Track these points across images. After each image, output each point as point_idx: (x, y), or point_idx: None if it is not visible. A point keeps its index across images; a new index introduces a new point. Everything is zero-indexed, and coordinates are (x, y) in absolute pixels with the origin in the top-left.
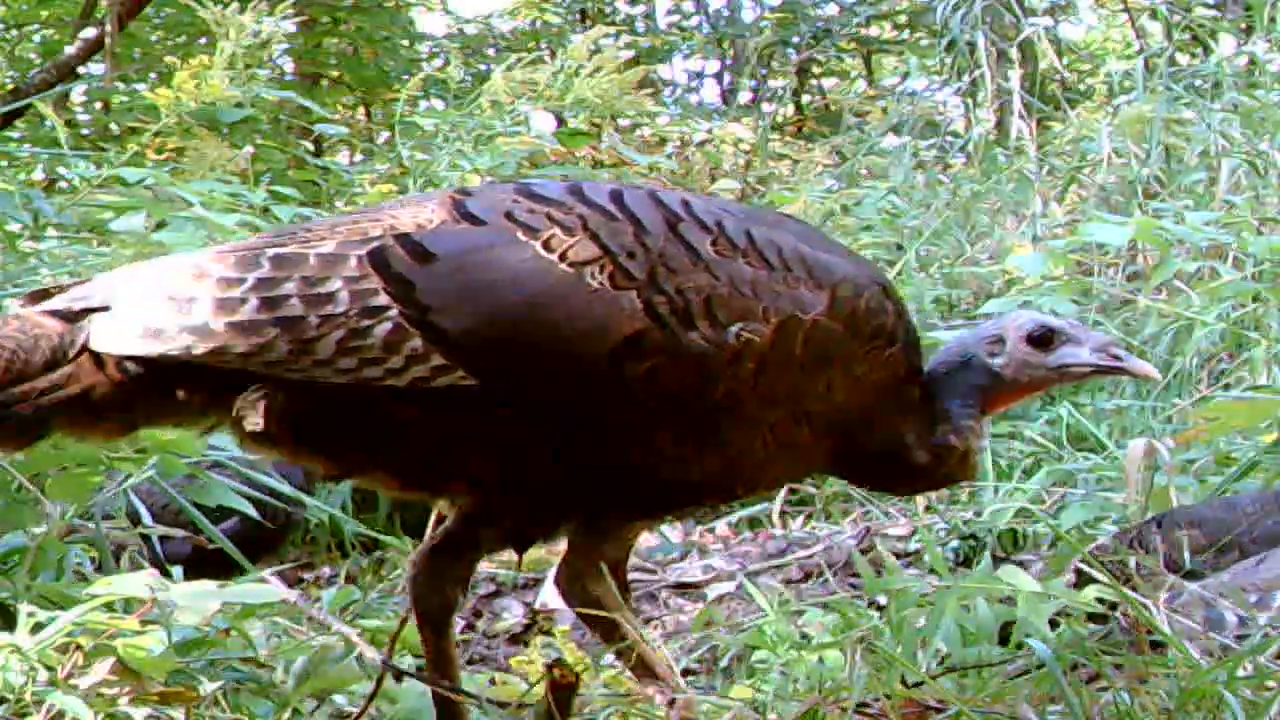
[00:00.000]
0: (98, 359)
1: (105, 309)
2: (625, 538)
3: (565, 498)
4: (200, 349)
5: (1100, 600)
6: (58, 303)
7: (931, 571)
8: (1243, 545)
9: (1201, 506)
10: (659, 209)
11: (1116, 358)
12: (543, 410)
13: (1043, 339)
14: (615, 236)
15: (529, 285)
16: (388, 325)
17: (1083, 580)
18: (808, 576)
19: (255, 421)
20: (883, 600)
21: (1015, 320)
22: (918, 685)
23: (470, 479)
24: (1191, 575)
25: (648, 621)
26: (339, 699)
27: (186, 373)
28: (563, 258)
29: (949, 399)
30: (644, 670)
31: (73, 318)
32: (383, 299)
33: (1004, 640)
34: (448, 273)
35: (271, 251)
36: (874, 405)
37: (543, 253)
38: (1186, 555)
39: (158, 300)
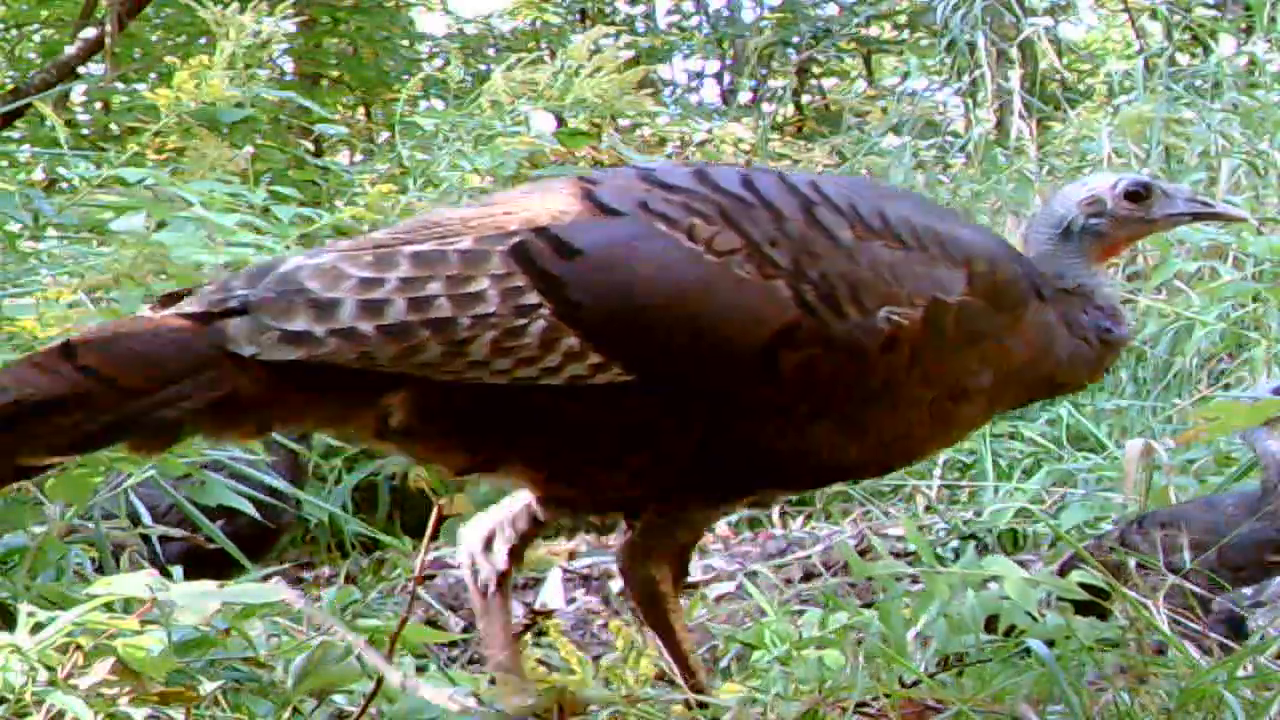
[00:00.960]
0: (238, 362)
1: (242, 312)
2: (705, 523)
3: (725, 484)
4: (350, 353)
5: (1088, 588)
6: (192, 305)
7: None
8: (1224, 546)
9: (1183, 506)
10: (792, 194)
11: (1207, 204)
12: (701, 401)
13: (1139, 194)
14: (756, 224)
15: (680, 278)
16: (541, 324)
17: (1067, 571)
18: (808, 576)
19: (401, 420)
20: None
21: (1106, 181)
22: (915, 684)
23: (625, 470)
24: (1187, 577)
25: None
26: (339, 699)
27: (328, 374)
28: (708, 248)
29: (1068, 273)
30: (681, 665)
31: (209, 319)
32: (533, 297)
33: (991, 632)
34: (596, 268)
35: (408, 249)
36: (1032, 360)
37: (687, 243)
38: (1186, 555)
39: (297, 304)
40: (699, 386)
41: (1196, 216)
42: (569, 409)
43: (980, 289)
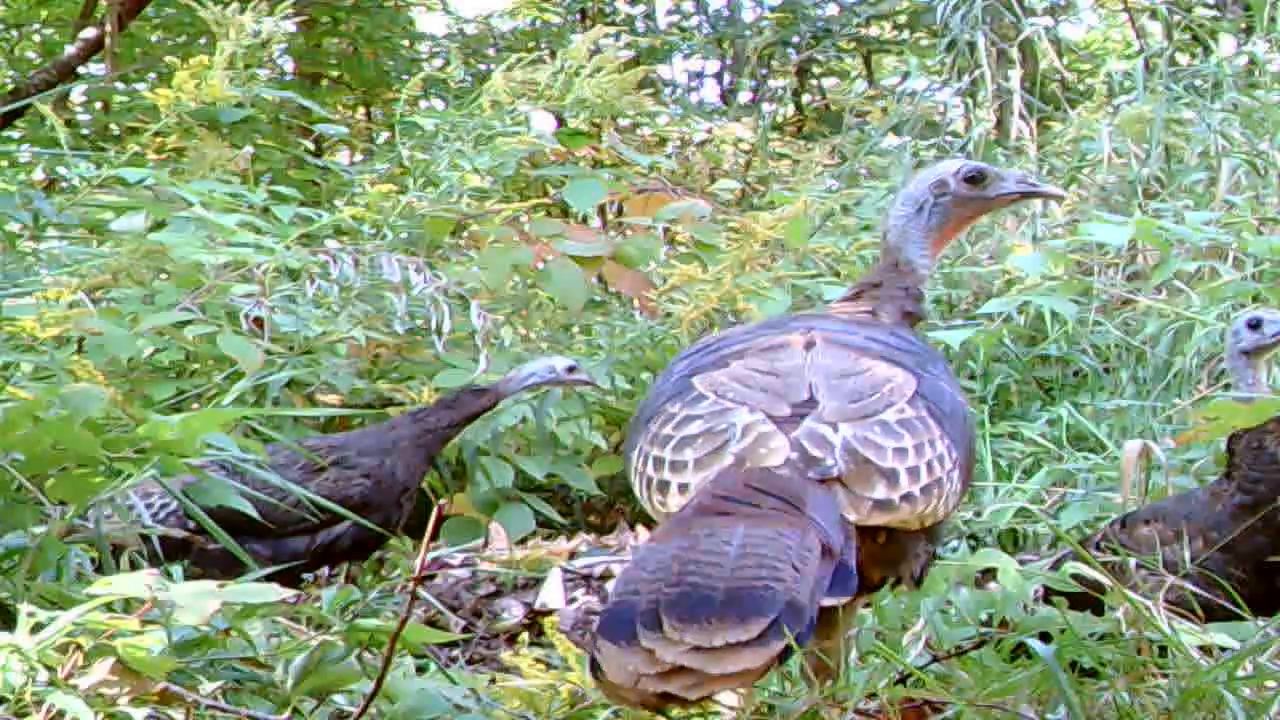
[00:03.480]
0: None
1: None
2: None
3: None
4: (909, 515)
5: (1084, 582)
6: (808, 472)
7: None
8: (1206, 533)
9: (1162, 502)
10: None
11: (1033, 184)
12: None
13: (976, 178)
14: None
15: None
16: (956, 471)
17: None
18: None
19: None
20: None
21: (948, 168)
22: (907, 678)
23: None
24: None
25: None
26: (339, 698)
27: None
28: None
29: (912, 251)
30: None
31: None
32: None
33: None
34: (953, 419)
35: (892, 419)
36: None
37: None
38: (1185, 551)
39: (872, 474)
40: None
41: (1024, 195)
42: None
43: None
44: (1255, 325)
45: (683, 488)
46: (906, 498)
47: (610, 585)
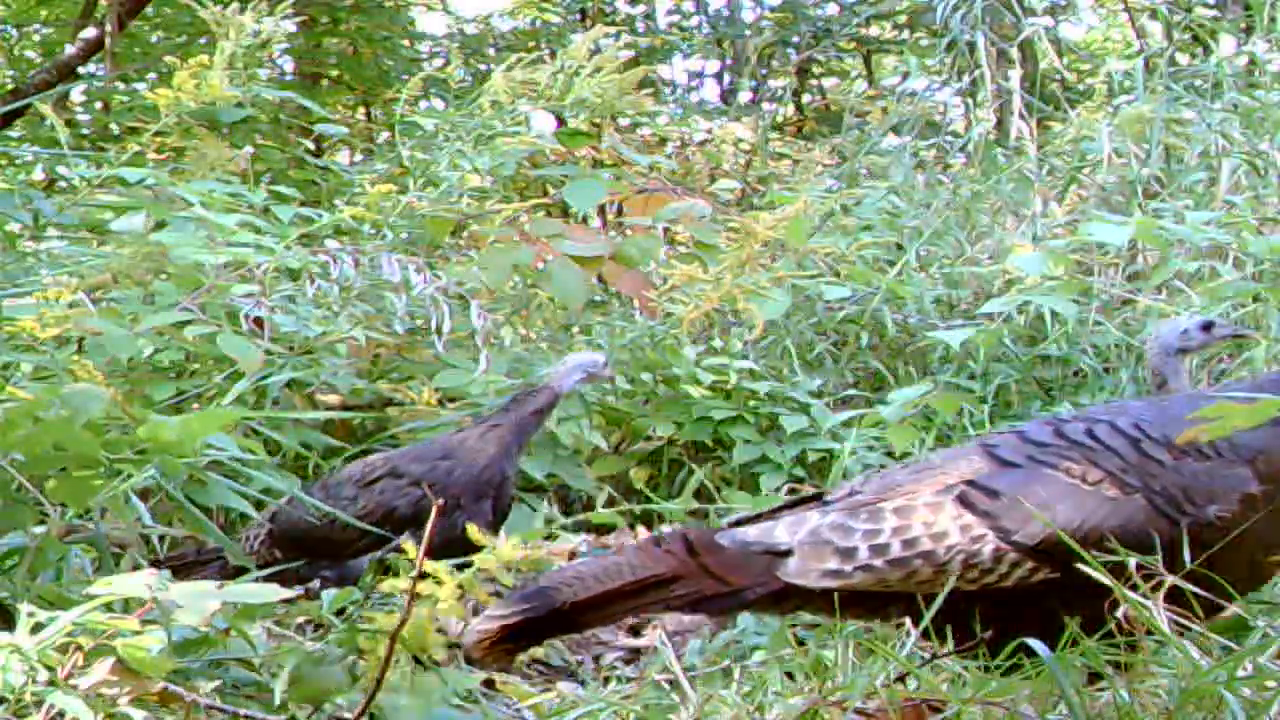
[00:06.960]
0: (790, 584)
1: (789, 553)
2: None
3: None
4: (870, 580)
5: None
6: (758, 545)
7: None
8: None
9: None
10: (1121, 435)
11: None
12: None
13: (1208, 326)
14: (1106, 460)
15: (1070, 502)
16: (990, 546)
17: None
18: None
19: (898, 618)
20: None
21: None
22: (904, 676)
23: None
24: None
25: (648, 622)
26: (338, 699)
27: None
28: (1083, 480)
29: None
30: None
31: (773, 554)
32: (980, 529)
33: None
34: (1013, 502)
35: (889, 505)
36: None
37: (1066, 479)
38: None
39: (826, 551)
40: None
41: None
42: (1009, 600)
43: (1263, 474)
44: (1208, 327)
45: None
46: (865, 568)
47: None
